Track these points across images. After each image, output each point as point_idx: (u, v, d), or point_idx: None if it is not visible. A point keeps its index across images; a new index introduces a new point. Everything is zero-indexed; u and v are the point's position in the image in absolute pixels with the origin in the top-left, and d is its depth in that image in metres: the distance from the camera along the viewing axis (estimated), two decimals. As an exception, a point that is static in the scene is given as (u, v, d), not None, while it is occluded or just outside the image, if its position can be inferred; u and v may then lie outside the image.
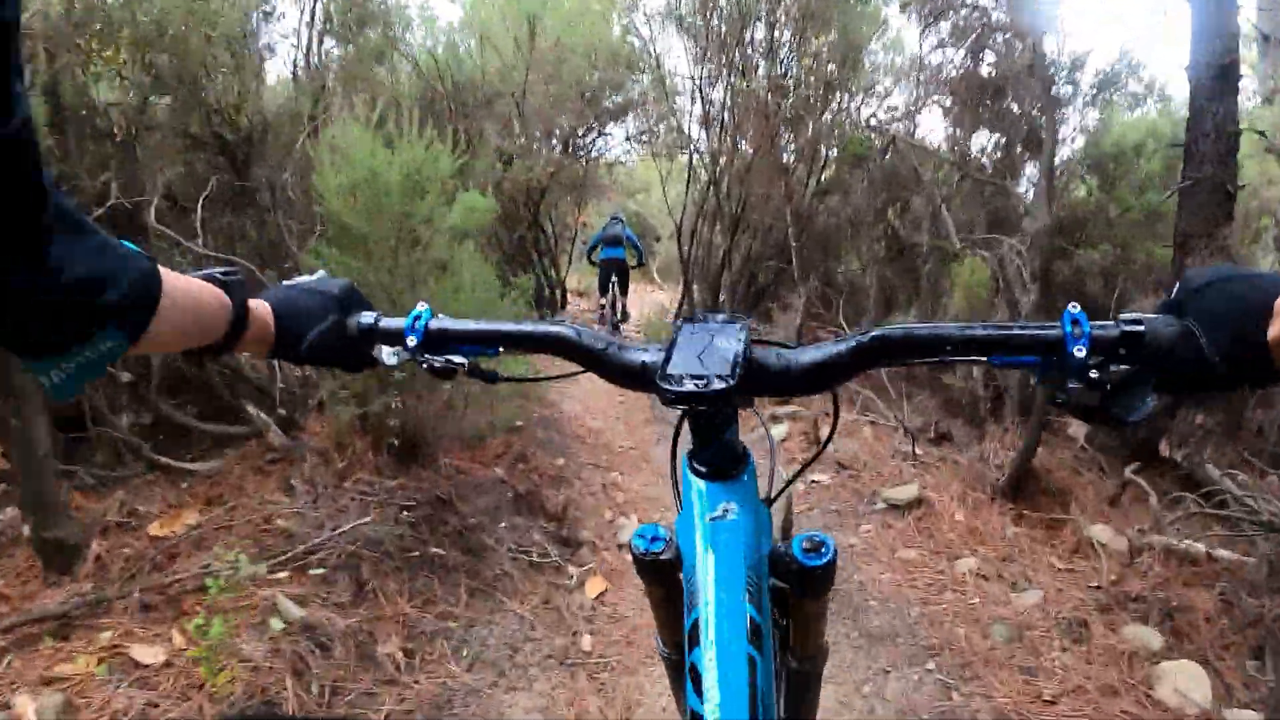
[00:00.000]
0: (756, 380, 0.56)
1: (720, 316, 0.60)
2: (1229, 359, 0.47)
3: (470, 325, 0.64)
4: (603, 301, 7.35)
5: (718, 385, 0.51)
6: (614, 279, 7.26)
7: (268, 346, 0.62)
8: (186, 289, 0.51)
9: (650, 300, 9.81)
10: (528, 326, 0.64)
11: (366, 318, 0.65)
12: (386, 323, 0.65)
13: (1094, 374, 0.51)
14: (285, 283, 0.66)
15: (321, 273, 0.68)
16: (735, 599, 0.52)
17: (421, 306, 0.65)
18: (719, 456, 0.60)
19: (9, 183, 0.33)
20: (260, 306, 0.60)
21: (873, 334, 0.55)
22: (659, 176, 7.97)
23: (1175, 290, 0.51)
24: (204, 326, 0.54)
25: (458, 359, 0.64)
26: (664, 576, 0.61)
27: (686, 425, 0.62)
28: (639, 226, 8.82)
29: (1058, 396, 0.53)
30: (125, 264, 0.44)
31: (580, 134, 7.99)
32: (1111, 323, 0.52)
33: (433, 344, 0.64)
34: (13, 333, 0.40)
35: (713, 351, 0.55)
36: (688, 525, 0.59)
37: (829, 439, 0.75)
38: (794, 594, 0.63)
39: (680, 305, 7.50)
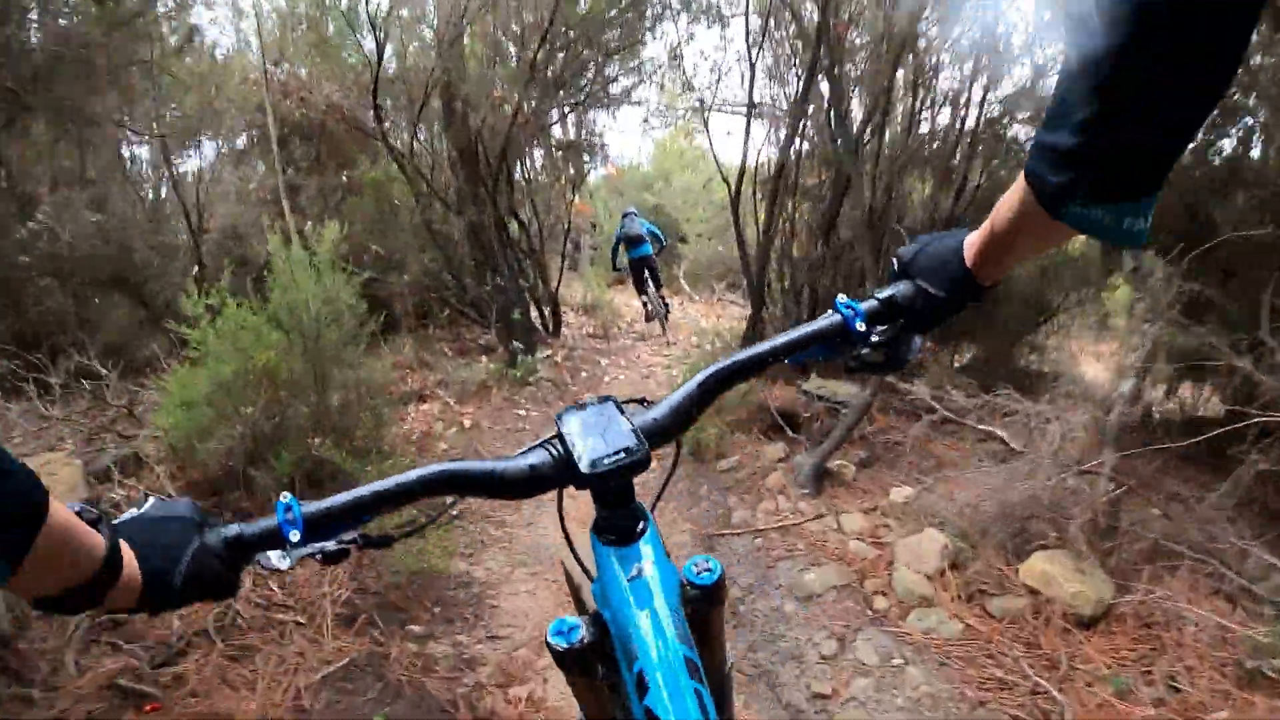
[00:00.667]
0: (651, 436, 0.63)
1: (587, 399, 0.67)
2: (951, 292, 0.66)
3: (344, 498, 0.60)
4: (644, 299, 7.57)
5: (638, 455, 0.59)
6: (647, 276, 7.42)
7: (135, 595, 0.52)
8: (67, 517, 0.46)
9: (688, 317, 8.39)
10: (405, 478, 0.61)
11: (228, 531, 0.57)
12: (255, 529, 0.58)
13: (875, 338, 0.69)
14: (122, 517, 0.56)
15: (153, 498, 0.59)
16: (672, 644, 0.57)
17: (285, 497, 0.59)
18: (627, 520, 0.64)
19: None
20: (126, 551, 0.52)
21: (709, 372, 0.68)
22: (681, 151, 6.68)
23: (895, 265, 0.70)
24: (78, 565, 0.47)
25: (348, 537, 0.61)
26: (588, 664, 0.65)
27: (572, 501, 0.66)
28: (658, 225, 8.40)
29: (851, 363, 0.71)
30: (10, 475, 0.41)
31: (570, 71, 5.67)
32: (872, 299, 0.69)
33: (312, 532, 0.59)
34: None
35: (608, 429, 0.62)
36: (607, 588, 0.63)
37: (674, 467, 0.75)
38: (698, 612, 0.67)
39: (751, 327, 4.95)
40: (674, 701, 0.53)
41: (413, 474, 0.61)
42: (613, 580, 0.62)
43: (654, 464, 0.61)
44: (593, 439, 0.61)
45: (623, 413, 0.64)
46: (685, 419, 0.66)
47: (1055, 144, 0.48)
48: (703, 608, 0.66)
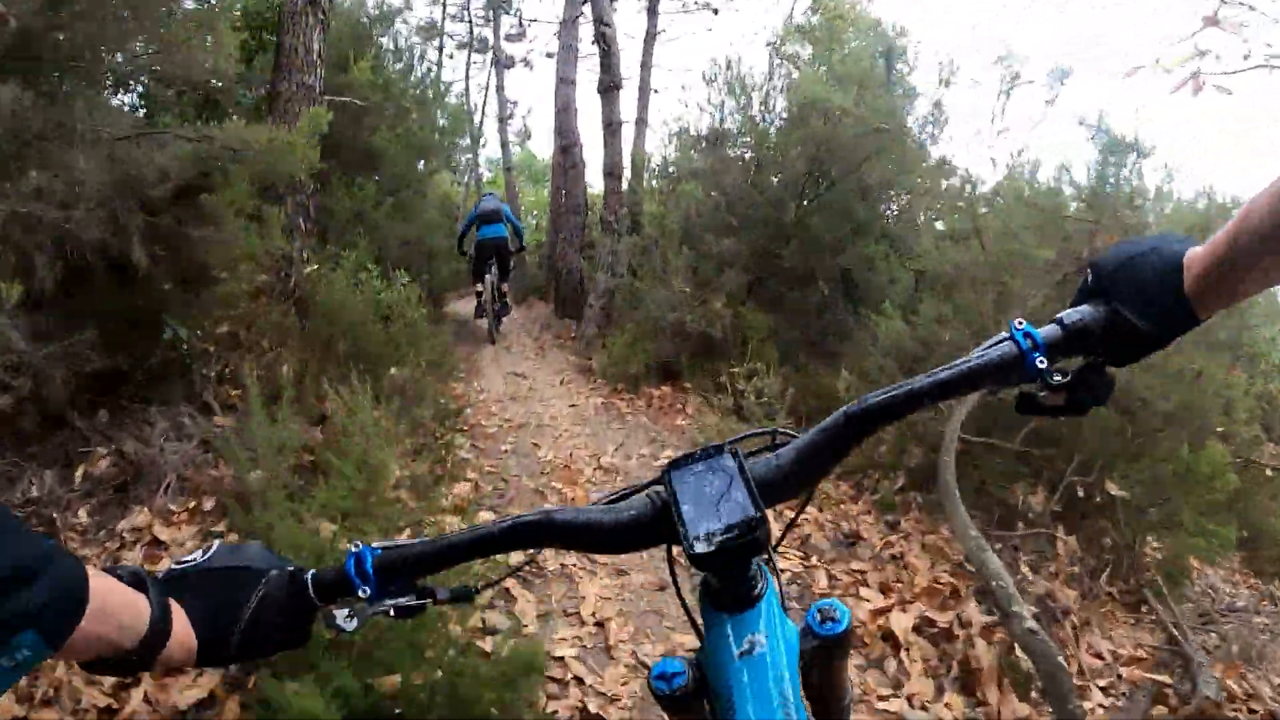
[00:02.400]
0: (767, 493, 0.55)
1: (702, 450, 0.57)
2: (1159, 323, 0.52)
3: (424, 547, 0.56)
4: (479, 288, 6.23)
5: (756, 534, 0.51)
6: (491, 262, 6.17)
7: (191, 652, 0.50)
8: (111, 590, 0.46)
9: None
10: (491, 528, 0.56)
11: (297, 581, 0.54)
12: (324, 578, 0.54)
13: (1056, 378, 0.54)
14: (174, 565, 0.53)
15: (218, 543, 0.56)
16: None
17: (356, 546, 0.55)
18: (745, 586, 0.56)
19: None
20: (175, 610, 0.50)
21: (850, 410, 0.56)
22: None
23: (1089, 278, 0.56)
24: (123, 635, 0.46)
25: (425, 589, 0.56)
26: (692, 708, 0.59)
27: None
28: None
29: (1022, 403, 0.57)
30: (49, 561, 0.40)
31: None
32: (1055, 326, 0.55)
33: (386, 582, 0.54)
34: None
35: (724, 497, 0.53)
36: (715, 661, 0.56)
37: (803, 507, 0.69)
38: (819, 660, 0.61)
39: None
40: None
41: (503, 523, 0.57)
42: (723, 651, 0.56)
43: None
44: (704, 508, 0.53)
45: (742, 469, 0.55)
46: (821, 465, 0.57)
47: None
48: (823, 658, 0.60)
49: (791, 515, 0.71)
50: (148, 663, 0.48)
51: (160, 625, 0.48)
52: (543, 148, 19.28)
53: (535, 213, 14.61)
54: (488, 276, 6.14)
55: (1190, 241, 0.53)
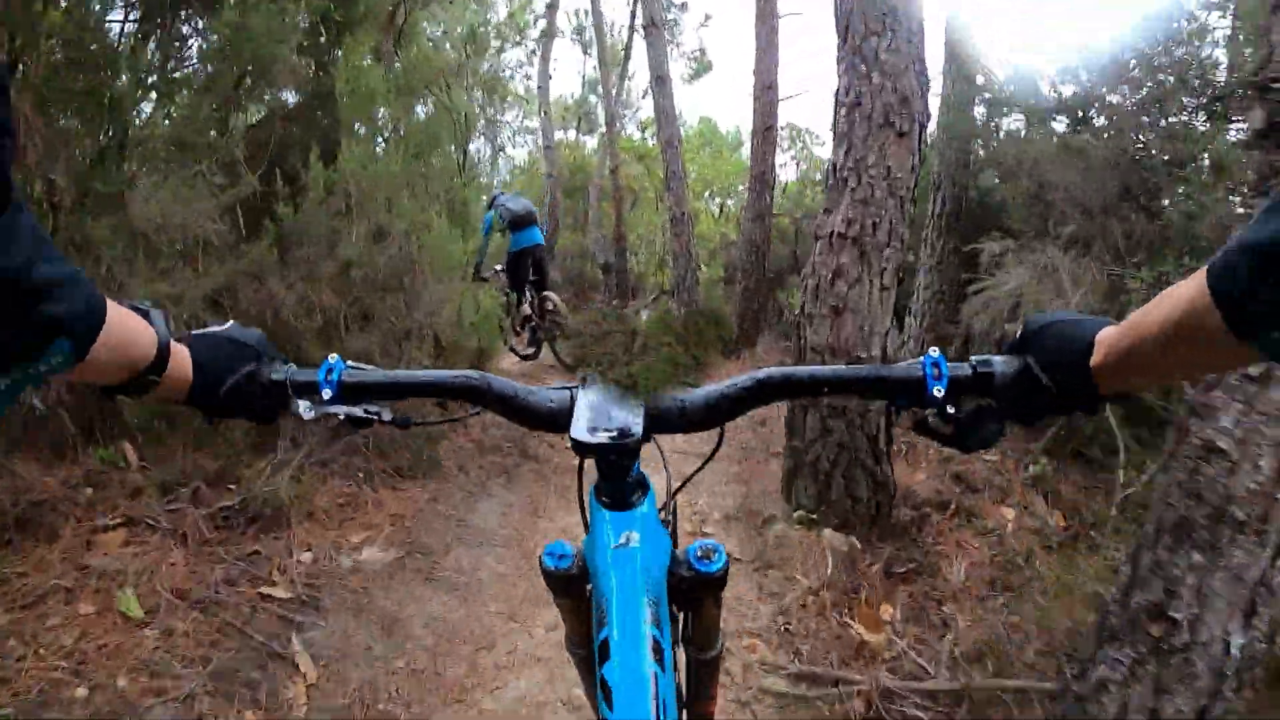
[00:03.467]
0: (658, 422, 0.63)
1: None
2: (1061, 386, 0.55)
3: (382, 375, 0.66)
4: (525, 309, 5.24)
5: (627, 436, 0.59)
6: (530, 272, 5.18)
7: (184, 391, 0.60)
8: (122, 315, 0.52)
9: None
10: (440, 375, 0.66)
11: (280, 370, 0.65)
12: (299, 374, 0.65)
13: (949, 409, 0.59)
14: (196, 330, 0.64)
15: (233, 322, 0.67)
16: (638, 621, 0.57)
17: (333, 358, 0.66)
18: (622, 489, 0.65)
19: None
20: (178, 348, 0.59)
21: (758, 376, 0.63)
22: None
23: (1019, 334, 0.60)
24: (133, 357, 0.54)
25: (374, 408, 0.65)
26: (571, 588, 0.69)
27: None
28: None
29: (916, 424, 0.62)
30: (76, 277, 0.44)
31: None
32: (966, 364, 0.60)
33: (346, 395, 0.65)
34: None
35: (619, 405, 0.62)
36: (594, 548, 0.64)
37: (710, 457, 0.78)
38: (694, 595, 0.69)
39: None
40: (627, 677, 0.54)
41: (448, 374, 0.66)
42: (599, 542, 0.63)
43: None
44: (597, 411, 0.61)
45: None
46: (716, 414, 0.63)
47: (1274, 243, 0.37)
48: (697, 592, 0.67)
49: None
50: (151, 385, 0.56)
51: (164, 353, 0.55)
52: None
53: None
54: (529, 293, 5.16)
55: (1110, 321, 0.55)
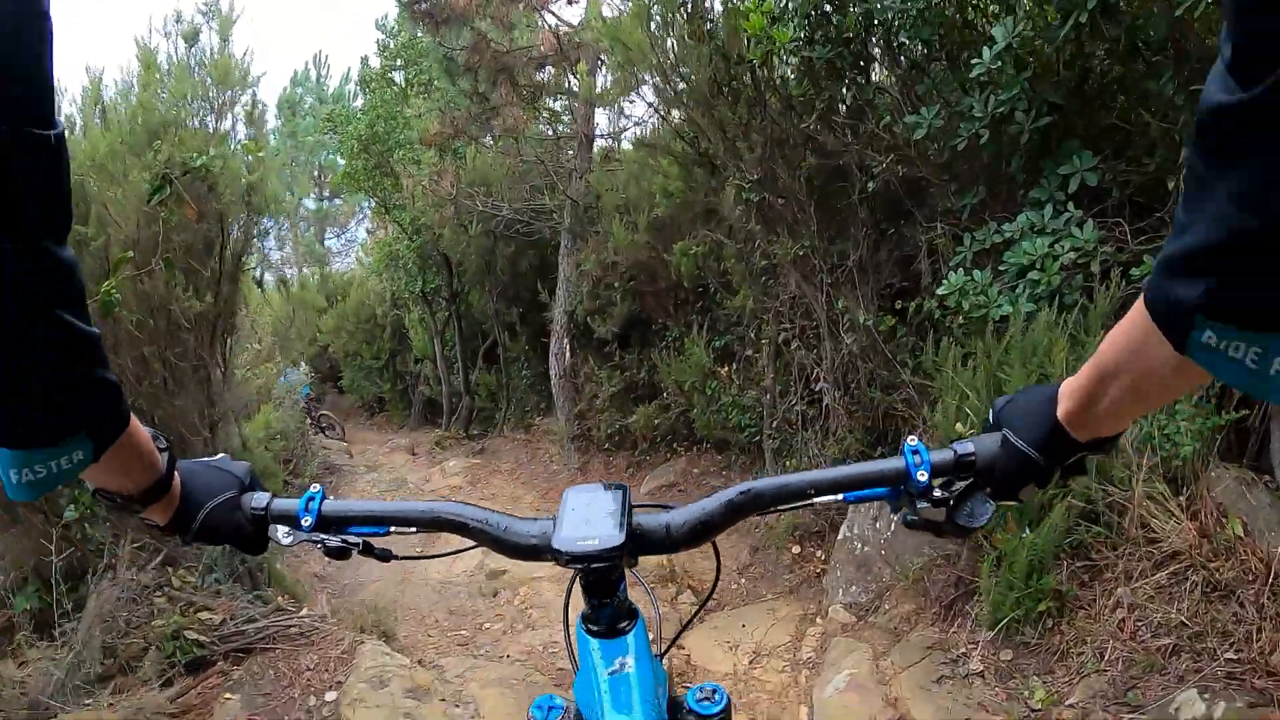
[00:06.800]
0: (641, 542, 0.62)
1: (601, 484, 0.65)
2: (1039, 447, 0.56)
3: (361, 506, 0.67)
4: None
5: (610, 545, 0.57)
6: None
7: (169, 515, 0.63)
8: (140, 429, 0.54)
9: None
10: (420, 508, 0.67)
11: (260, 499, 0.67)
12: (280, 504, 0.67)
13: (937, 493, 0.59)
14: (184, 461, 0.66)
15: (223, 455, 0.70)
16: None
17: (314, 488, 0.67)
18: (612, 615, 0.63)
19: (47, 182, 0.38)
20: (175, 480, 0.62)
21: (742, 489, 0.62)
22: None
23: (989, 418, 0.62)
24: (141, 471, 0.56)
25: (352, 538, 0.66)
26: None
27: (579, 588, 0.65)
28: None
29: (908, 517, 0.62)
30: (107, 383, 0.47)
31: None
32: (947, 449, 0.60)
33: (326, 525, 0.66)
34: (13, 398, 0.42)
35: (600, 516, 0.61)
36: (587, 683, 0.62)
37: (711, 592, 0.78)
38: None
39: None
40: None
41: (428, 506, 0.67)
42: (592, 671, 0.61)
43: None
44: (579, 522, 0.61)
45: (625, 503, 0.62)
46: (698, 533, 0.62)
47: (1187, 247, 0.37)
48: None
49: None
50: (148, 504, 0.59)
51: (166, 479, 0.59)
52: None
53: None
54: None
55: (1067, 378, 0.56)
